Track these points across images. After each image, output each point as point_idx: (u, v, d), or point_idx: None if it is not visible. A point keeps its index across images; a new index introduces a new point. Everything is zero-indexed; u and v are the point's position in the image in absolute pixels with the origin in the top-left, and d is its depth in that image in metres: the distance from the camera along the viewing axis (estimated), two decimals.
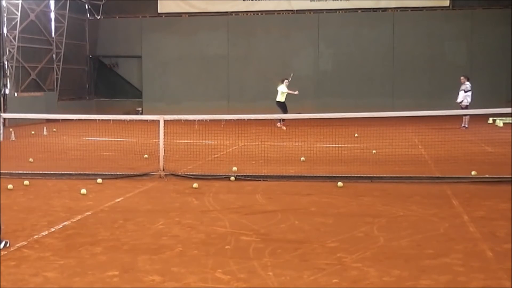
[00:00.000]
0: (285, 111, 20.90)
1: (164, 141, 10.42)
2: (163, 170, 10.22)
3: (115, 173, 10.41)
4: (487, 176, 9.64)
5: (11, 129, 17.38)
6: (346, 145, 13.55)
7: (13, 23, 23.16)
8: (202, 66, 28.12)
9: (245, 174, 10.22)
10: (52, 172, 10.37)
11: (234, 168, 11.29)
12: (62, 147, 13.82)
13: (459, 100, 20.10)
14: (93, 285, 4.77)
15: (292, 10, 27.75)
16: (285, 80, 21.55)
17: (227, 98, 27.90)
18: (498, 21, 25.76)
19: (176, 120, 10.93)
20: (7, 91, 23.24)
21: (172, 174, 10.22)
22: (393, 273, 4.97)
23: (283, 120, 20.33)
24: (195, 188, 9.18)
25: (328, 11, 27.40)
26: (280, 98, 21.35)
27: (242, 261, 5.31)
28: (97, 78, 30.04)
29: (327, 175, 9.93)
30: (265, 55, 27.76)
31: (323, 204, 7.97)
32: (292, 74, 21.86)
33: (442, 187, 9.00)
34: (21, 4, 23.21)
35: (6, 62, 23.13)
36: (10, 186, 9.16)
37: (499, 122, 20.48)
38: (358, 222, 6.78)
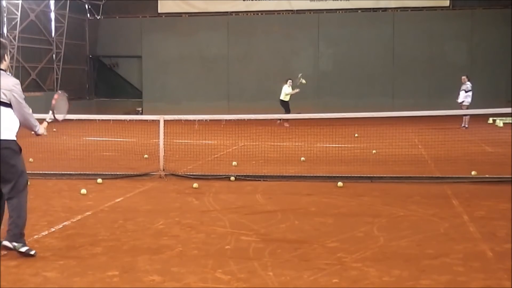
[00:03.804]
0: (287, 110, 21.10)
1: (164, 141, 10.42)
2: (163, 170, 10.22)
3: (115, 173, 10.40)
4: (487, 176, 9.64)
5: None
6: (346, 145, 13.54)
7: (13, 23, 23.19)
8: (202, 66, 28.13)
9: (245, 174, 10.22)
10: (52, 172, 10.37)
11: (234, 163, 11.32)
12: (62, 147, 13.81)
13: (459, 100, 20.12)
14: (93, 285, 4.77)
15: (292, 10, 27.75)
16: (289, 81, 21.79)
17: (227, 98, 27.90)
18: (498, 21, 25.77)
19: (176, 120, 10.93)
20: None
21: (172, 174, 10.22)
22: (393, 273, 4.97)
23: (286, 119, 20.44)
24: (195, 188, 9.17)
25: (328, 11, 27.41)
26: (284, 97, 21.61)
27: (242, 261, 5.31)
28: (97, 78, 30.05)
29: (327, 175, 9.93)
30: (265, 55, 27.77)
31: (323, 204, 7.97)
32: (300, 76, 22.07)
33: (442, 187, 9.00)
34: (21, 4, 23.23)
35: None
36: None
37: (499, 122, 20.48)
38: (358, 222, 6.78)
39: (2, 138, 5.43)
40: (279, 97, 21.80)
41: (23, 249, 5.48)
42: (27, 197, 5.65)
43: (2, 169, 5.46)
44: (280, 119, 20.47)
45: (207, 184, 9.53)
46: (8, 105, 5.49)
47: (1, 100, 5.46)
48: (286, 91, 21.66)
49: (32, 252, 5.52)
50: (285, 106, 21.50)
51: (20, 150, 5.60)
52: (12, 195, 5.50)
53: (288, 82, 21.83)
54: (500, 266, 5.12)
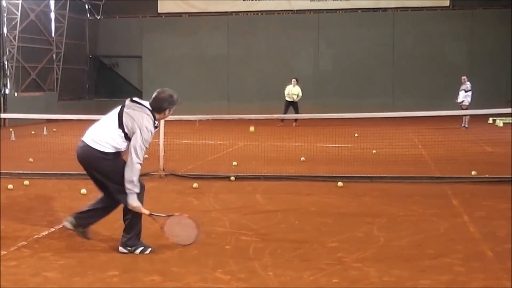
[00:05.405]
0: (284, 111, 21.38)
1: (164, 141, 10.41)
2: (163, 170, 10.21)
3: None
4: (487, 176, 9.64)
5: (11, 129, 17.39)
6: (346, 145, 13.55)
7: (13, 23, 23.18)
8: (202, 66, 28.12)
9: (245, 174, 10.22)
10: (52, 172, 10.36)
11: (234, 163, 11.32)
12: (62, 147, 13.80)
13: (459, 100, 20.12)
14: (93, 285, 4.77)
15: (292, 10, 27.75)
16: (293, 80, 22.19)
17: (227, 98, 27.90)
18: (498, 21, 25.77)
19: (176, 120, 10.92)
20: (7, 91, 23.25)
21: (172, 174, 10.21)
22: (393, 273, 4.97)
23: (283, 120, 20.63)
24: (195, 188, 9.17)
25: (328, 11, 27.41)
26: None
27: (242, 261, 5.31)
28: (97, 78, 30.04)
29: (327, 175, 9.93)
30: (265, 55, 27.76)
31: (323, 204, 7.97)
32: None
33: (442, 187, 9.00)
34: (21, 4, 23.22)
35: (6, 62, 23.14)
36: (10, 186, 9.16)
37: (499, 122, 20.48)
38: (358, 222, 6.78)
39: (94, 147, 5.52)
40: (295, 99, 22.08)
41: (137, 251, 5.59)
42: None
43: (95, 174, 5.69)
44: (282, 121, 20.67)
45: (207, 184, 9.53)
46: (122, 129, 5.51)
47: (123, 123, 5.47)
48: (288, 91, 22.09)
49: (147, 251, 5.60)
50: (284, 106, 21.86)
51: (113, 156, 5.64)
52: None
53: (292, 82, 22.17)
54: (500, 266, 5.12)
